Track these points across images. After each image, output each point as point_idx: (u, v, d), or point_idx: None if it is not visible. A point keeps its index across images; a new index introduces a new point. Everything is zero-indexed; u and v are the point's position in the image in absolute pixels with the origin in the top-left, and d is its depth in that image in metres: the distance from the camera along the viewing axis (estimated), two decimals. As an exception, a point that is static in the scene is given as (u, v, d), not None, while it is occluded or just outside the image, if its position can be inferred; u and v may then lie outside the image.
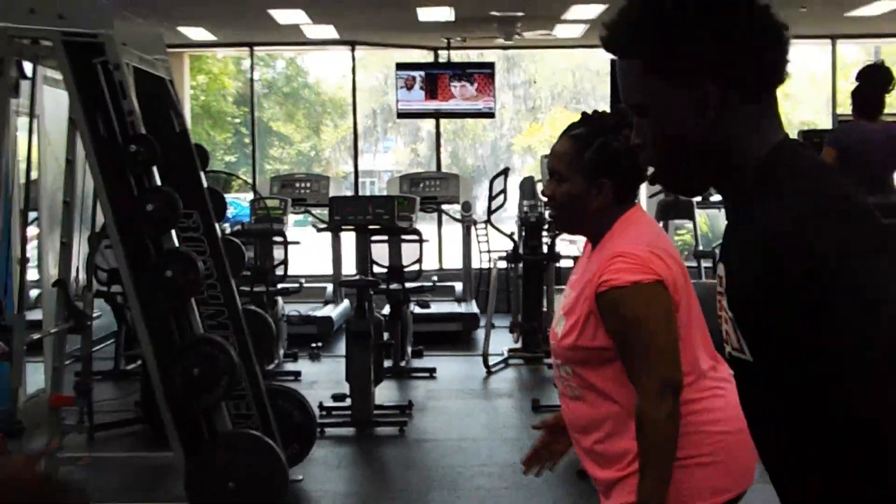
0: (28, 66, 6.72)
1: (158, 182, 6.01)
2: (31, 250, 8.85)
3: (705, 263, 11.07)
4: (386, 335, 9.49)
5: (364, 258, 9.28)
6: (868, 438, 1.65)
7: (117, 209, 5.91)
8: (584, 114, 3.19)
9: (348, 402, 8.35)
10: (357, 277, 9.06)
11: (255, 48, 15.85)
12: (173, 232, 6.09)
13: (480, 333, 11.06)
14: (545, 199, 3.24)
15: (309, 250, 12.87)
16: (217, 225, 7.09)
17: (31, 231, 8.56)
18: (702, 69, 1.78)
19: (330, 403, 8.46)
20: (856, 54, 14.66)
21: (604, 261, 3.02)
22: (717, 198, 11.37)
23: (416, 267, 10.29)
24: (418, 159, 15.89)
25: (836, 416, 1.67)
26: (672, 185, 1.97)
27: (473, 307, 12.26)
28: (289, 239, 10.90)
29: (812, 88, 14.87)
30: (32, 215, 8.87)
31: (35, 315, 8.38)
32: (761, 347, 1.76)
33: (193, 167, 6.82)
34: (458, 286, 13.02)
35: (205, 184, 7.02)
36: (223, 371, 5.91)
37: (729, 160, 1.84)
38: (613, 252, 3.02)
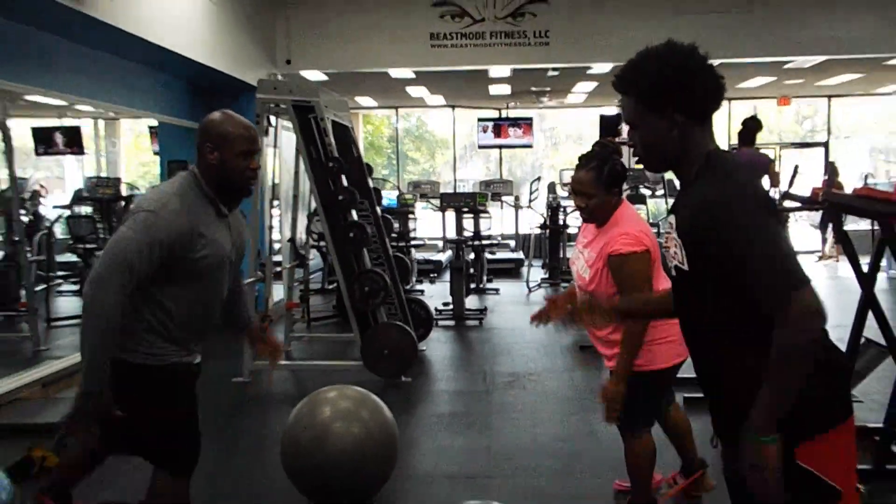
0: (272, 118, 6.79)
1: (345, 183, 6.07)
2: (275, 222, 9.00)
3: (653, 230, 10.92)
4: (471, 269, 9.52)
5: (459, 227, 9.25)
6: (754, 312, 1.66)
7: (323, 198, 5.98)
8: (590, 153, 3.12)
9: (451, 306, 8.38)
10: (455, 237, 9.05)
11: (399, 109, 15.90)
12: (354, 211, 6.16)
13: (524, 270, 11.01)
14: (578, 208, 3.12)
15: (429, 223, 12.94)
16: (378, 208, 7.13)
17: (275, 211, 8.66)
18: (672, 105, 1.77)
19: (441, 307, 8.48)
20: (741, 108, 14.24)
21: (613, 237, 3.00)
22: (660, 192, 11.28)
23: (487, 231, 10.29)
24: (489, 172, 15.79)
25: (737, 299, 1.68)
26: (649, 167, 1.90)
27: (520, 255, 12.21)
28: (417, 216, 10.99)
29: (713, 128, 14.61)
30: (276, 203, 9.02)
31: (277, 258, 8.49)
32: (695, 261, 1.75)
33: (364, 175, 6.86)
34: (512, 243, 12.98)
35: (371, 185, 7.06)
36: (381, 288, 5.98)
37: (684, 157, 1.81)
38: (620, 231, 3.01)
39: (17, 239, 6.53)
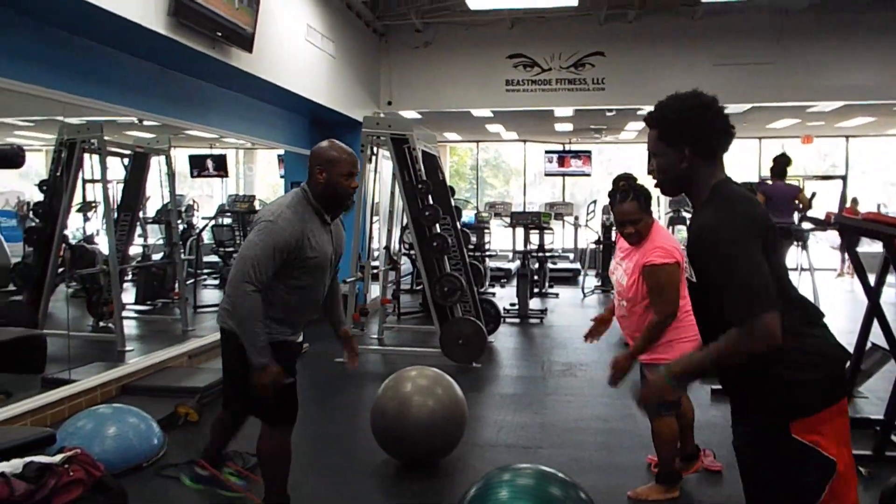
0: (374, 149, 6.90)
1: (431, 201, 6.14)
2: (375, 232, 9.15)
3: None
4: (535, 276, 9.46)
5: (526, 241, 9.21)
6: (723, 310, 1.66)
7: (413, 214, 6.05)
8: (624, 187, 3.11)
9: (517, 306, 8.35)
10: (522, 249, 9.02)
11: (479, 142, 15.97)
12: (437, 225, 6.22)
13: (580, 278, 10.87)
14: (628, 234, 3.07)
15: (502, 237, 12.91)
16: (458, 223, 7.16)
17: (375, 224, 8.80)
18: (684, 141, 1.76)
19: (508, 307, 8.46)
20: (770, 145, 13.76)
21: (649, 250, 2.98)
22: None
23: (550, 245, 10.21)
24: (554, 195, 15.66)
25: (719, 302, 1.67)
26: (663, 191, 1.89)
27: (578, 265, 12.06)
28: (491, 231, 11.00)
29: (745, 163, 14.07)
30: (376, 217, 9.16)
31: (375, 262, 8.61)
32: (699, 274, 1.75)
33: (448, 196, 6.91)
34: (571, 255, 12.83)
35: (453, 204, 7.11)
36: (458, 288, 6.02)
37: (695, 185, 1.79)
38: (654, 245, 2.99)
39: (174, 242, 6.84)
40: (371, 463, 3.72)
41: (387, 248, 7.42)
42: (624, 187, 3.08)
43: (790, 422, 1.64)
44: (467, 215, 11.07)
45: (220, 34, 4.91)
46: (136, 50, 4.94)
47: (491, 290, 10.18)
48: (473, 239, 9.99)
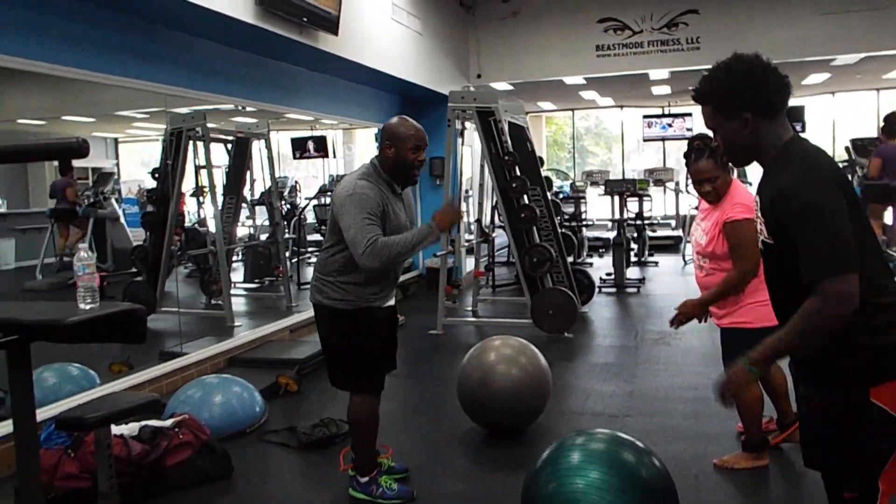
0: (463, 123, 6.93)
1: (518, 173, 6.11)
2: (468, 205, 9.24)
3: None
4: (634, 245, 9.27)
5: (621, 208, 9.00)
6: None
7: (501, 186, 6.07)
8: (699, 146, 3.02)
9: (613, 276, 8.22)
10: (617, 218, 8.84)
11: (575, 110, 15.67)
12: (526, 196, 6.20)
13: (682, 245, 10.52)
14: (705, 193, 3.01)
15: (602, 206, 12.66)
16: (548, 193, 7.10)
17: (472, 200, 8.88)
18: (741, 107, 1.71)
19: (604, 277, 8.35)
20: (890, 98, 12.73)
21: (729, 206, 2.92)
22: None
23: (649, 212, 9.94)
24: (659, 161, 15.18)
25: (796, 266, 1.63)
26: (733, 162, 1.86)
27: (679, 232, 11.66)
28: (588, 200, 10.83)
29: (861, 117, 13.03)
30: (468, 191, 9.25)
31: (469, 236, 8.69)
32: (775, 235, 1.69)
33: (537, 166, 6.87)
34: (673, 222, 12.43)
35: (542, 174, 7.06)
36: (547, 259, 6.00)
37: (759, 148, 1.74)
38: (734, 202, 2.91)
39: (276, 222, 7.19)
40: (458, 430, 3.82)
41: (478, 220, 7.49)
42: (699, 146, 3.00)
43: (871, 387, 1.60)
44: (558, 186, 10.94)
45: (305, 19, 5.08)
46: (229, 40, 5.19)
47: (589, 260, 10.06)
48: (569, 209, 9.89)
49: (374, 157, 2.87)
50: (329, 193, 9.76)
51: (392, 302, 3.03)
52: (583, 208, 10.34)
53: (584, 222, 10.00)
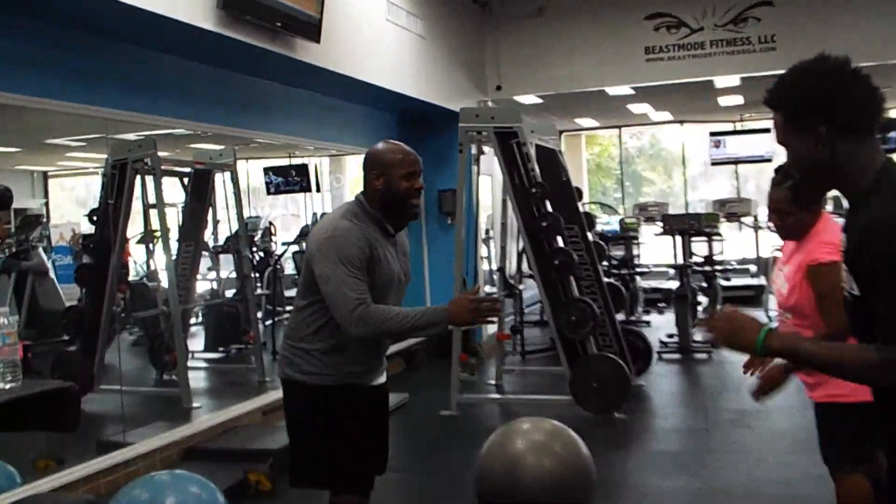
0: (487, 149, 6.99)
1: (549, 208, 6.19)
2: (487, 250, 9.31)
3: None
4: (702, 299, 9.25)
5: (685, 251, 9.02)
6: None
7: (527, 224, 6.15)
8: (785, 177, 3.03)
9: (676, 338, 8.21)
10: (680, 262, 8.85)
11: (622, 128, 15.82)
12: (560, 238, 6.27)
13: (764, 297, 10.46)
14: (775, 226, 3.08)
15: (659, 247, 12.71)
16: (590, 233, 7.16)
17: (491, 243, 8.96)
18: (816, 118, 1.73)
19: (665, 339, 8.34)
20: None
21: (814, 246, 2.90)
22: None
23: (721, 255, 9.93)
24: (730, 189, 15.25)
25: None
26: (807, 191, 1.93)
27: (761, 280, 11.63)
28: (643, 241, 10.87)
29: None
30: (489, 231, 9.34)
31: (491, 289, 8.72)
32: (863, 285, 1.70)
33: (573, 200, 6.95)
34: (752, 267, 12.40)
35: (580, 209, 7.13)
36: (589, 317, 6.02)
37: (843, 174, 1.76)
38: (821, 240, 2.91)
39: (245, 275, 7.27)
40: (476, 540, 3.79)
41: (501, 270, 7.53)
42: (778, 170, 3.05)
43: None
44: (603, 222, 10.97)
45: (279, 24, 5.24)
46: (186, 52, 5.35)
47: (645, 317, 10.05)
48: (618, 253, 9.93)
49: (359, 194, 2.92)
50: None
51: (383, 378, 3.05)
52: (635, 251, 10.39)
53: (638, 269, 10.03)
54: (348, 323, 2.70)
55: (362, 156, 2.99)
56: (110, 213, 5.84)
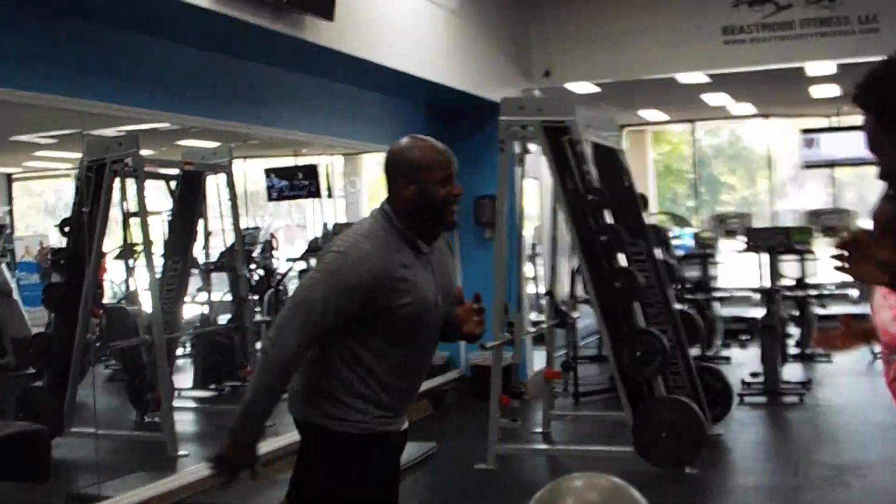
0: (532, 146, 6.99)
1: (609, 220, 6.19)
2: (535, 269, 9.31)
3: None
4: (793, 330, 9.19)
5: (773, 272, 8.95)
6: None
7: (582, 240, 6.14)
8: None
9: (761, 377, 8.14)
10: (767, 286, 8.79)
11: (696, 122, 15.77)
12: (622, 255, 6.26)
13: (874, 329, 10.39)
14: None
15: (739, 265, 12.64)
16: (657, 250, 7.13)
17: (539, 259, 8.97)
18: None
19: (749, 379, 8.28)
20: None
21: None
22: None
23: (815, 278, 9.88)
24: (825, 198, 15.12)
25: None
26: None
27: (865, 308, 11.47)
28: (722, 260, 10.83)
29: None
30: (537, 247, 9.32)
31: (538, 317, 8.69)
32: None
33: (637, 210, 6.93)
34: (853, 291, 12.24)
35: (646, 221, 7.11)
36: (657, 352, 6.00)
37: None
38: None
39: (241, 297, 7.33)
40: None
41: (550, 293, 7.52)
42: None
43: None
44: (674, 236, 10.92)
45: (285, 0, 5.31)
46: (175, 34, 5.44)
47: (724, 353, 9.99)
48: (692, 274, 9.89)
49: (384, 203, 2.89)
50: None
51: (407, 423, 3.03)
52: (712, 272, 10.33)
53: (716, 294, 9.97)
54: (276, 329, 2.74)
55: (382, 155, 2.96)
56: (84, 222, 5.88)
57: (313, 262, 10.11)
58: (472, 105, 8.40)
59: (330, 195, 11.50)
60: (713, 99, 12.41)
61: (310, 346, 2.75)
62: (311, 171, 11.04)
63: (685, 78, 10.11)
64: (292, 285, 9.84)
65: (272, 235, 10.94)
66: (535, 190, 9.45)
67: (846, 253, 2.23)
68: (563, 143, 6.15)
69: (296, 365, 2.76)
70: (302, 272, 9.71)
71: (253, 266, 8.96)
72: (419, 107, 8.63)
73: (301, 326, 2.71)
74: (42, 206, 9.76)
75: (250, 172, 10.45)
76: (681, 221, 14.44)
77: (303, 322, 2.71)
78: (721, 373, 7.23)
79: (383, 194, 2.92)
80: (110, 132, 6.05)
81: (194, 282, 7.94)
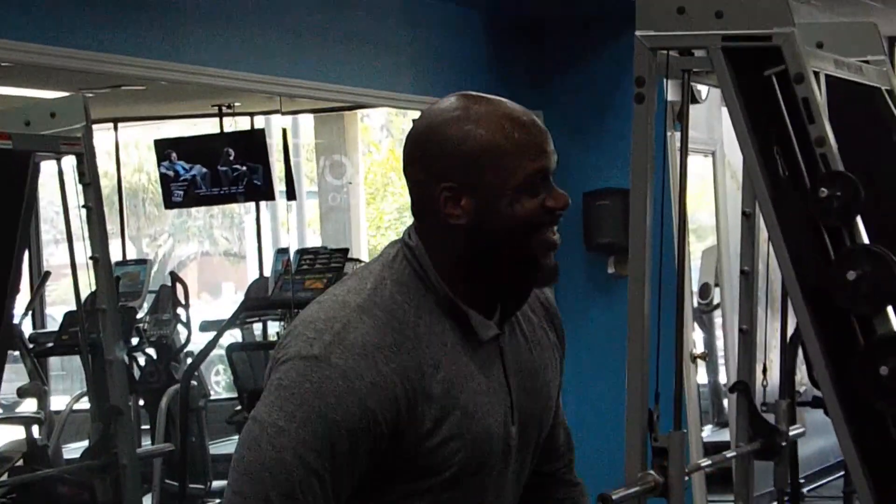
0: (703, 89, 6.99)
1: (865, 238, 6.05)
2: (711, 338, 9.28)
3: None
4: None
5: None
6: None
7: (803, 276, 6.02)
8: None
9: None
10: None
11: None
12: (891, 310, 6.12)
13: None
14: None
15: None
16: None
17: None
18: None
19: None
20: None
21: None
22: None
23: None
24: None
25: None
26: None
27: None
28: None
29: None
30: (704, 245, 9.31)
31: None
32: None
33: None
34: None
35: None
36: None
37: None
38: None
39: (114, 406, 7.32)
40: None
41: (742, 385, 7.46)
42: None
43: None
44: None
45: None
46: None
47: None
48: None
49: (406, 233, 2.80)
50: (277, 313, 9.93)
51: None
52: None
53: None
54: None
55: (398, 114, 2.88)
56: None
57: (257, 331, 10.16)
58: (573, 14, 8.45)
59: (291, 195, 11.59)
60: None
61: None
62: (251, 145, 11.06)
63: None
64: (219, 378, 9.89)
65: (174, 277, 11.00)
66: (707, 174, 9.50)
67: None
68: (770, 80, 6.08)
69: None
70: (234, 351, 9.73)
71: (135, 340, 9.03)
72: (472, 15, 8.62)
73: None
74: None
75: (132, 150, 10.59)
76: None
77: None
78: None
79: (405, 197, 2.86)
80: None
81: (13, 372, 7.99)
